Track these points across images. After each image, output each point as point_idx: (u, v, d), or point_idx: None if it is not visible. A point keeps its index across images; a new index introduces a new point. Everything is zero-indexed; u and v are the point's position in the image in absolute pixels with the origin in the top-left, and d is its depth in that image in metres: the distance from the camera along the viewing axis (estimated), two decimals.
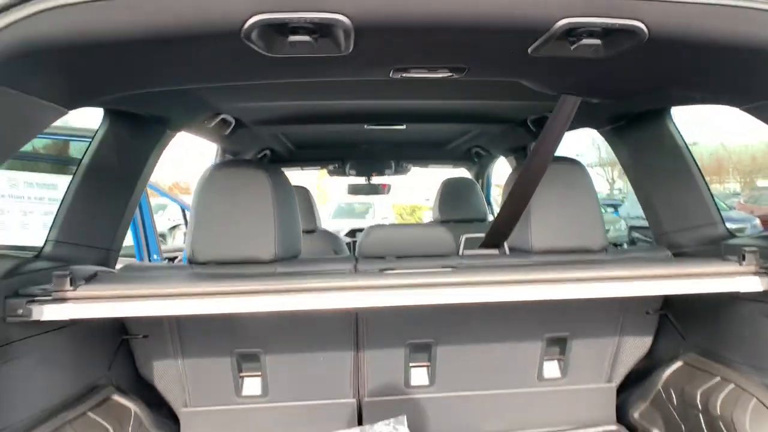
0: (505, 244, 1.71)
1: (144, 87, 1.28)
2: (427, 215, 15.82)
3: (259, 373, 1.68)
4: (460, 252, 1.66)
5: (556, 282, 1.33)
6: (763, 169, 22.00)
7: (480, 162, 3.89)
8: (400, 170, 4.19)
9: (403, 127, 2.54)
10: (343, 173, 4.07)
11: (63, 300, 1.14)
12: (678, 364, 1.61)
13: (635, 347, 1.77)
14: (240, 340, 1.63)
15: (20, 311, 1.11)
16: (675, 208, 1.74)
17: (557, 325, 1.72)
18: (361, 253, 1.62)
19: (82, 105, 1.20)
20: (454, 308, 1.61)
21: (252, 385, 1.70)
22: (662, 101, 1.65)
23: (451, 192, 3.24)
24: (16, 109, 0.95)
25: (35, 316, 1.12)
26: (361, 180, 4.29)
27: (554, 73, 1.28)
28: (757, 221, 11.65)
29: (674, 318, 1.71)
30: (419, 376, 1.76)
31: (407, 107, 2.20)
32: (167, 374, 1.64)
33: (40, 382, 1.22)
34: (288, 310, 1.27)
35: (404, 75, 1.19)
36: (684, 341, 1.66)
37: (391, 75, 1.19)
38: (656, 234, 1.81)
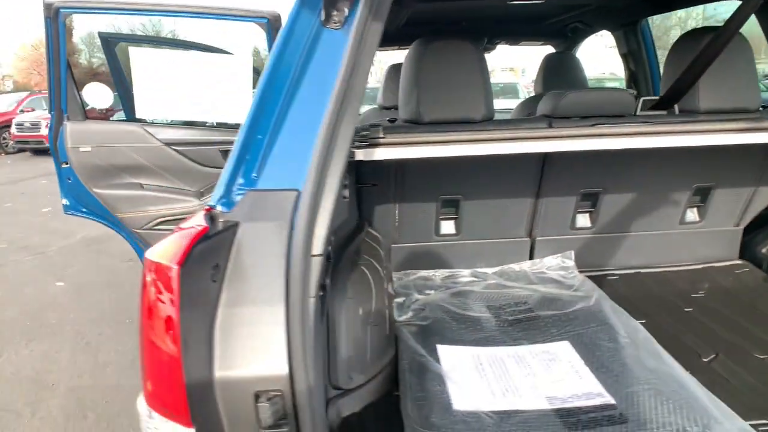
0: (675, 106, 1.94)
1: None
2: None
3: (456, 216, 2.05)
4: (637, 112, 1.91)
5: (717, 132, 1.59)
6: None
7: (573, 38, 3.94)
8: (488, 49, 4.26)
9: (543, 0, 2.64)
10: None
11: (376, 145, 1.46)
12: None
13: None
14: (445, 188, 1.97)
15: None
16: None
17: (705, 176, 2.01)
18: (553, 115, 1.87)
19: None
20: (622, 161, 1.90)
21: (449, 226, 2.08)
22: None
23: (555, 66, 3.35)
24: None
25: (357, 157, 1.44)
26: None
27: None
28: None
29: None
30: (583, 219, 2.11)
31: None
32: (384, 217, 2.01)
33: (348, 212, 1.58)
34: (493, 154, 1.57)
35: None
36: None
37: None
38: None
